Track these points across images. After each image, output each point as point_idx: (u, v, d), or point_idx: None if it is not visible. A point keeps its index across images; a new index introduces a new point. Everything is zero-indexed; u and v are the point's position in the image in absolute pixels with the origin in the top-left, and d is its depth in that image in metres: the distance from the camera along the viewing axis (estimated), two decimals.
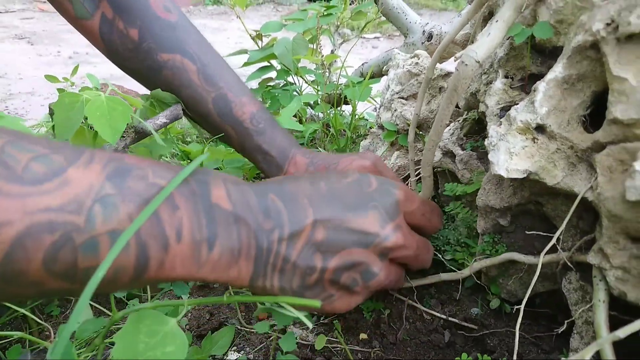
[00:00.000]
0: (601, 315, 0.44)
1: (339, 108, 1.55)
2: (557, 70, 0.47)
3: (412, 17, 1.11)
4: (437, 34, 1.02)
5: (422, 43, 1.06)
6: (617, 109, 0.41)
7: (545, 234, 0.52)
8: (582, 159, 0.46)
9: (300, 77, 1.38)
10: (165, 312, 0.55)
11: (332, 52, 1.56)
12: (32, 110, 1.73)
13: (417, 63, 0.93)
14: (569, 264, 0.48)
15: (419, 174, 0.72)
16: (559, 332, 0.49)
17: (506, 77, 0.55)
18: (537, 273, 0.46)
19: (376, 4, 1.16)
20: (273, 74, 1.42)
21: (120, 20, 0.71)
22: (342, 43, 1.55)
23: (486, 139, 0.51)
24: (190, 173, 0.39)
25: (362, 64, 1.31)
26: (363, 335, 0.69)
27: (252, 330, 0.71)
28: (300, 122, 1.41)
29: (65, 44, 2.63)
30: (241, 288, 0.47)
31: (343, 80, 1.62)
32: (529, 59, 0.52)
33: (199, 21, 3.56)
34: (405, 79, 0.95)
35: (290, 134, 0.79)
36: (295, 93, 1.44)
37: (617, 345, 0.40)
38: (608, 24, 0.42)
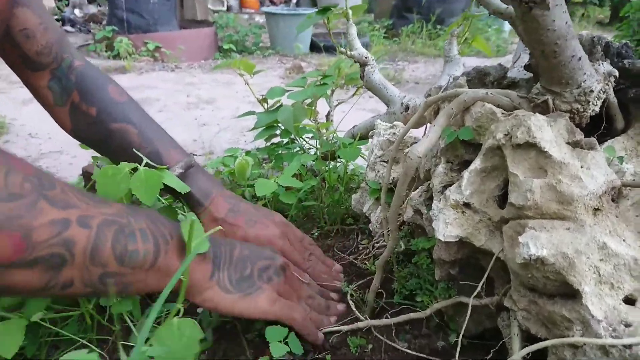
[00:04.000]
0: (516, 345, 0.60)
1: (338, 161, 1.74)
2: (477, 163, 0.64)
3: (392, 91, 1.30)
4: (412, 106, 1.22)
5: (401, 113, 1.25)
6: (512, 196, 0.58)
7: (473, 283, 0.68)
8: (497, 228, 0.63)
9: (301, 137, 1.58)
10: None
11: (329, 113, 1.76)
12: (62, 168, 1.94)
13: (394, 133, 1.12)
14: (491, 307, 0.64)
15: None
16: None
17: (447, 162, 0.73)
18: (469, 313, 0.62)
19: (362, 79, 1.36)
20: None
21: (84, 103, 0.94)
22: (337, 105, 1.75)
23: (430, 211, 0.68)
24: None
25: (353, 127, 1.50)
26: None
27: None
28: (300, 177, 1.59)
29: None
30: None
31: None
32: (461, 148, 0.70)
33: (210, 76, 3.83)
34: (385, 146, 1.14)
35: (215, 179, 1.03)
36: (297, 149, 1.64)
37: None
38: (506, 135, 0.60)
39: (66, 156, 2.00)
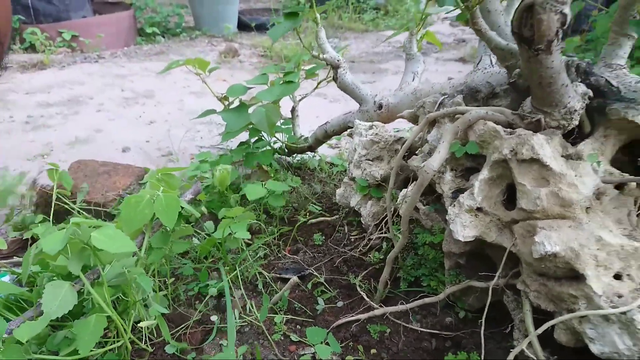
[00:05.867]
0: (529, 319, 0.75)
1: (308, 153, 1.81)
2: (484, 173, 0.76)
3: (364, 90, 1.39)
4: (385, 104, 1.32)
5: (375, 111, 1.34)
6: (522, 202, 0.71)
7: (479, 272, 0.82)
8: (506, 226, 0.76)
9: (274, 136, 1.62)
10: None
11: (294, 108, 1.81)
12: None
13: (376, 133, 1.22)
14: (499, 287, 0.78)
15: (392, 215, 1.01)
16: (507, 330, 0.79)
17: (452, 170, 0.85)
18: (490, 295, 0.76)
19: (335, 81, 1.43)
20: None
21: None
22: (301, 99, 1.81)
23: (446, 215, 0.80)
24: None
25: (326, 123, 1.58)
26: (373, 351, 0.95)
27: None
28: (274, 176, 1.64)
29: (14, 106, 2.63)
30: None
31: (302, 130, 1.89)
32: (464, 158, 0.82)
33: (139, 65, 3.60)
34: (369, 145, 1.23)
35: None
36: (267, 147, 1.69)
37: (540, 338, 0.70)
38: (511, 151, 0.72)
39: (13, 172, 1.86)
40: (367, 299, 1.05)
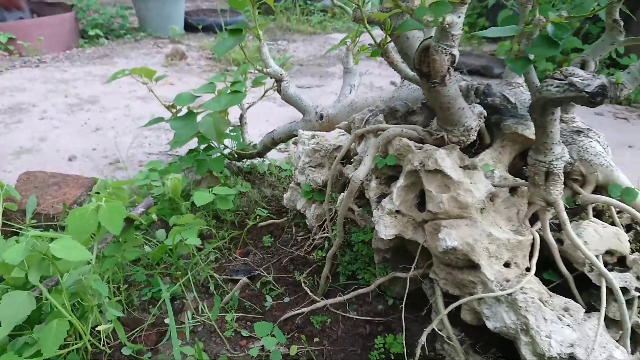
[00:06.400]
0: (440, 302, 0.89)
1: (257, 158, 1.90)
2: (401, 181, 0.90)
3: (306, 102, 1.50)
4: (326, 115, 1.44)
5: (317, 121, 1.46)
6: (429, 205, 0.85)
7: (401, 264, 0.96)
8: (419, 225, 0.90)
9: (222, 144, 1.70)
10: None
11: (242, 116, 1.89)
12: None
13: (318, 142, 1.34)
14: (418, 277, 0.92)
15: (331, 218, 1.13)
16: (425, 314, 0.93)
17: (377, 178, 0.98)
18: (408, 284, 0.89)
19: (279, 93, 1.53)
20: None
21: None
22: (249, 107, 1.89)
23: (372, 217, 0.92)
24: None
25: (273, 131, 1.67)
26: (316, 339, 1.07)
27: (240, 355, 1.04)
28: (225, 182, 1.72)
29: None
30: None
31: (252, 134, 1.98)
32: (386, 169, 0.95)
33: (82, 69, 3.50)
34: (311, 153, 1.35)
35: None
36: (218, 154, 1.76)
37: (450, 316, 0.84)
38: (420, 163, 0.86)
39: None
40: (311, 294, 1.17)
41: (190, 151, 1.77)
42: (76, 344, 0.87)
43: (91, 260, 0.88)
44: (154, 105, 2.71)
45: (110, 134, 2.48)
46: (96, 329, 0.93)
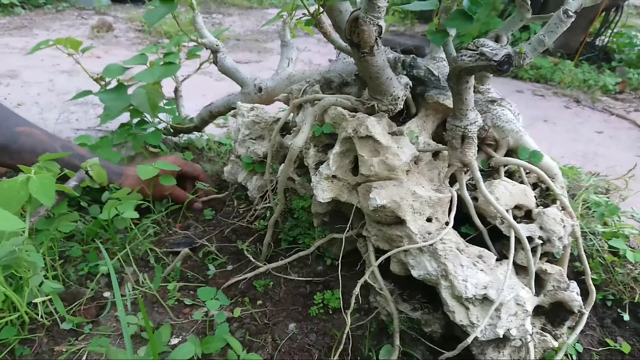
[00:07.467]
0: (372, 256, 0.97)
1: (195, 133, 1.88)
2: (337, 148, 0.96)
3: (244, 74, 1.50)
4: (264, 87, 1.46)
5: (255, 93, 1.47)
6: (362, 169, 0.92)
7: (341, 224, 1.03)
8: (353, 188, 0.97)
9: (157, 117, 1.66)
10: None
11: (177, 89, 1.86)
12: None
13: (257, 115, 1.36)
14: (353, 236, 1.00)
15: (273, 188, 1.17)
16: (360, 269, 1.01)
17: (314, 146, 1.03)
18: (343, 244, 0.96)
19: (215, 64, 1.52)
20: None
21: None
22: (184, 80, 1.86)
23: (311, 183, 0.98)
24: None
25: (210, 104, 1.66)
26: (259, 302, 1.12)
27: (184, 321, 1.07)
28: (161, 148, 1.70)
29: None
30: None
31: (188, 109, 1.95)
32: (323, 136, 1.01)
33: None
34: (251, 126, 1.37)
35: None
36: (152, 128, 1.72)
37: (381, 271, 0.92)
38: (353, 130, 0.92)
39: None
40: (254, 260, 1.21)
41: (122, 125, 1.72)
42: (13, 315, 0.85)
43: (24, 231, 0.85)
44: (81, 79, 2.57)
45: (34, 110, 2.32)
46: (33, 301, 0.91)
